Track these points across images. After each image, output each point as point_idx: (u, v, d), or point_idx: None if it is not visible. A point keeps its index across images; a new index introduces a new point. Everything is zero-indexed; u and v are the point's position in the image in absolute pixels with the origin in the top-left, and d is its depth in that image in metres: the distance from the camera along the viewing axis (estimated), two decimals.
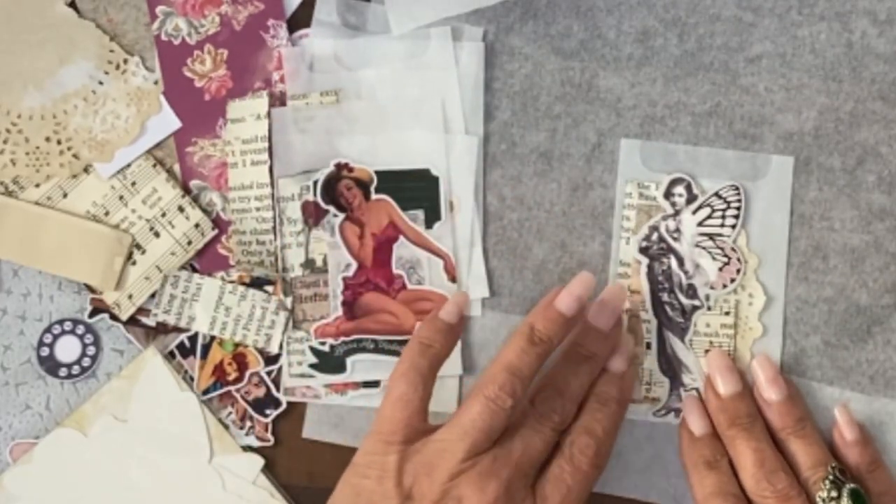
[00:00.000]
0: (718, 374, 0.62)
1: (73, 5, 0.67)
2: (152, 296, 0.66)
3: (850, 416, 0.62)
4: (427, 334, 0.61)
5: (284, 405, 0.66)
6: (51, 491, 0.66)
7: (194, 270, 0.66)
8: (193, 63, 0.67)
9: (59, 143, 0.66)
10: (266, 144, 0.66)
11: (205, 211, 0.66)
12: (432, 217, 0.65)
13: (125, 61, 0.67)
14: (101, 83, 0.66)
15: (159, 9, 0.67)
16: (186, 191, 0.66)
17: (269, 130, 0.66)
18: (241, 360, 0.66)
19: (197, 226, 0.66)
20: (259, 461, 0.66)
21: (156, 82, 0.67)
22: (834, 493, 0.58)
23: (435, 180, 0.65)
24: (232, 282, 0.66)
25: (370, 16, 0.66)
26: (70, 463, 0.66)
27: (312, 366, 0.65)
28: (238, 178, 0.66)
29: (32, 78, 0.66)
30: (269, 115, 0.66)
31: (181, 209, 0.66)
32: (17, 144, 0.66)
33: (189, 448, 0.65)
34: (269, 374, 0.66)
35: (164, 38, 0.67)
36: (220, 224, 0.66)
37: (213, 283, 0.66)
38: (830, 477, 0.59)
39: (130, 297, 0.66)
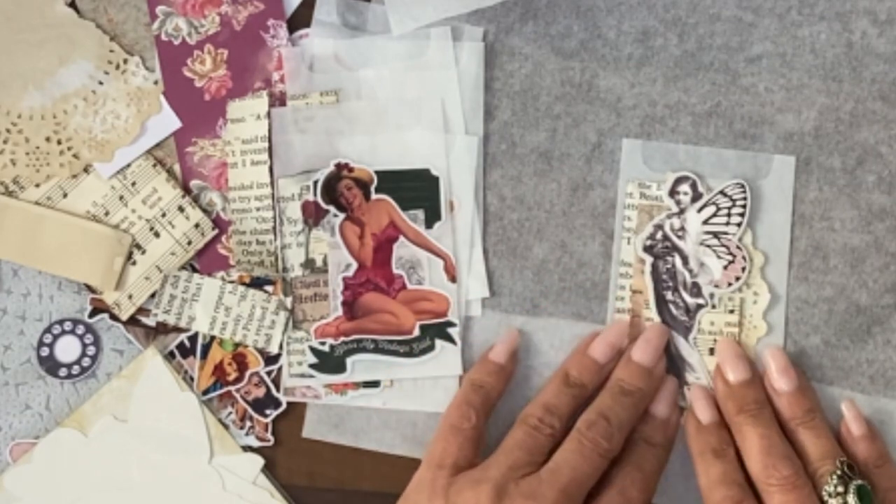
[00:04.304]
0: (728, 361, 0.62)
1: (73, 5, 0.67)
2: (152, 296, 0.66)
3: (858, 411, 0.62)
4: (478, 376, 0.63)
5: (284, 405, 0.66)
6: (51, 491, 0.65)
7: (194, 270, 0.66)
8: (193, 63, 0.67)
9: (59, 143, 0.66)
10: (266, 144, 0.66)
11: (205, 211, 0.66)
12: (432, 217, 0.65)
13: (125, 61, 0.67)
14: (101, 83, 0.66)
15: (159, 9, 0.67)
16: (186, 191, 0.66)
17: (269, 130, 0.66)
18: (241, 360, 0.66)
19: (197, 226, 0.66)
20: (259, 461, 0.65)
21: (156, 82, 0.67)
22: (840, 488, 0.58)
23: (435, 180, 0.65)
24: (232, 282, 0.66)
25: (370, 16, 0.66)
26: (70, 463, 0.66)
27: (312, 366, 0.65)
28: (238, 178, 0.66)
29: (32, 78, 0.66)
30: (269, 115, 0.66)
31: (181, 209, 0.66)
32: (17, 144, 0.66)
33: (189, 448, 0.65)
34: (269, 374, 0.66)
35: (164, 38, 0.67)
36: (220, 224, 0.66)
37: (213, 283, 0.66)
38: (838, 472, 0.58)
39: (130, 297, 0.66)
